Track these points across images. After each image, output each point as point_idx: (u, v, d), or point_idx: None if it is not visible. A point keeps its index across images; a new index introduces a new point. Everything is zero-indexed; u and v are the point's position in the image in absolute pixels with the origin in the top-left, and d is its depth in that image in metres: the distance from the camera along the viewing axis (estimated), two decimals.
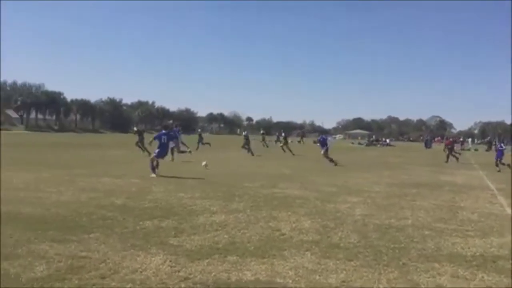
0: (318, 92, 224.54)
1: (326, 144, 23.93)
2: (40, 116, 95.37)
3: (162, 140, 15.54)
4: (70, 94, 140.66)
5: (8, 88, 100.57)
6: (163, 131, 16.13)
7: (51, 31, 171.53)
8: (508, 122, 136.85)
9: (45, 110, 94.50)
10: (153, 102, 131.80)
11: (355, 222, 8.44)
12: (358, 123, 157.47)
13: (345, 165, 22.83)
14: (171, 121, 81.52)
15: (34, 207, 8.74)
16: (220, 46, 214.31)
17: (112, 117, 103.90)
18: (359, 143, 71.24)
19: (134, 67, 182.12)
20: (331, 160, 22.60)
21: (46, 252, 5.74)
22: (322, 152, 23.64)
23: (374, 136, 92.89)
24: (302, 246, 6.54)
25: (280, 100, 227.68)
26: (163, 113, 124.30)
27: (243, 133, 36.74)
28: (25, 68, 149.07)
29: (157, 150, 15.47)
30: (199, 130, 41.14)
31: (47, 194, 10.38)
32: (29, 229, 6.91)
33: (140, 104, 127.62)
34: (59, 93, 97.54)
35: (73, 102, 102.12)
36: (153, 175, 14.81)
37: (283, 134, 38.84)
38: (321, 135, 27.58)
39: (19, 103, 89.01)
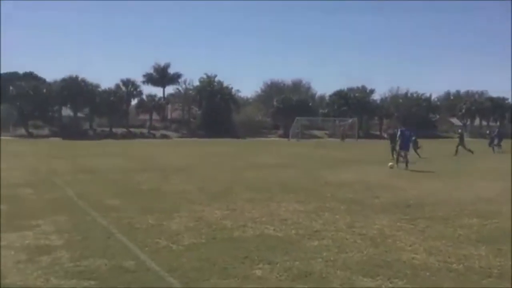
0: None
1: None
2: (484, 123, 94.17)
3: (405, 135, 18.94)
4: None
5: (452, 97, 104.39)
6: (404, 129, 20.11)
7: None
8: None
9: (489, 116, 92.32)
10: None
11: None
12: None
13: None
14: None
15: None
16: None
17: None
18: None
19: None
20: None
21: None
22: None
23: None
24: None
25: None
26: None
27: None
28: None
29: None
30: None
31: None
32: None
33: None
34: (504, 99, 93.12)
35: None
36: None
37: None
38: None
39: (463, 111, 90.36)
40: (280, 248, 6.25)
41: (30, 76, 69.84)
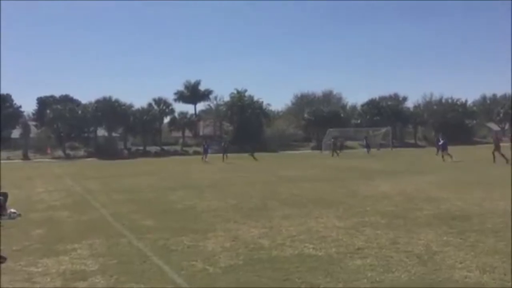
0: None
1: None
2: None
3: None
4: None
5: (488, 101, 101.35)
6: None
7: None
8: None
9: None
10: None
11: None
12: None
13: None
14: None
15: None
16: None
17: None
18: None
19: None
20: None
21: None
22: None
23: None
24: None
25: None
26: None
27: None
28: None
29: None
30: None
31: None
32: None
33: None
34: None
35: None
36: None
37: None
38: None
39: (501, 115, 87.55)
40: (322, 269, 5.95)
41: (66, 99, 71.93)
